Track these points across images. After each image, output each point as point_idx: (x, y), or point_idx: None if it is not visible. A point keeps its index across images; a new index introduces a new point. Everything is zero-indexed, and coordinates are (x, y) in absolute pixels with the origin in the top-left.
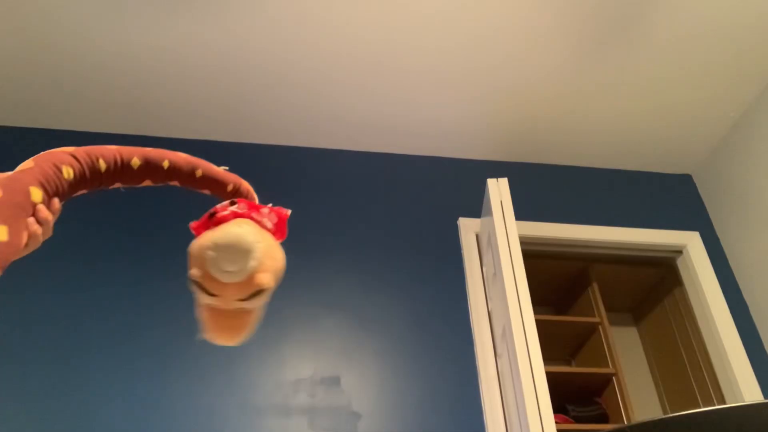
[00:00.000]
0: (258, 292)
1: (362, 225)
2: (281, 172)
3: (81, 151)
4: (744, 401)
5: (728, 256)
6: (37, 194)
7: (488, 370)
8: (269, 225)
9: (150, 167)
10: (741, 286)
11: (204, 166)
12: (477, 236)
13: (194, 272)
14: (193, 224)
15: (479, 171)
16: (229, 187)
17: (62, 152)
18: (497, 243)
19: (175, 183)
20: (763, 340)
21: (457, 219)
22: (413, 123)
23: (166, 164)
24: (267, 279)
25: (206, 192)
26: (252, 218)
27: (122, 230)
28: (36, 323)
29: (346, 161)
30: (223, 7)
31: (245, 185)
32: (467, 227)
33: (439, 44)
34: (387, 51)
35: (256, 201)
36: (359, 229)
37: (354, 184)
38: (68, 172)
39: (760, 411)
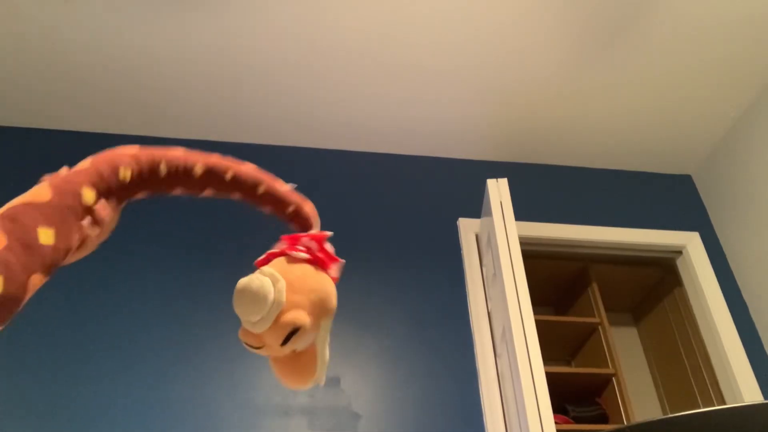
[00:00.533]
0: (294, 332)
1: (362, 225)
2: (279, 173)
3: (144, 152)
4: (744, 402)
5: (728, 257)
6: (89, 195)
7: (488, 370)
8: (304, 256)
9: (213, 176)
10: (741, 287)
11: (268, 182)
12: (477, 236)
13: (240, 332)
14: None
15: (479, 171)
16: (290, 209)
17: (123, 153)
18: (497, 243)
19: (237, 196)
20: (763, 341)
21: (456, 219)
22: (413, 123)
23: (229, 175)
24: (294, 316)
25: (266, 210)
26: (285, 254)
27: (122, 230)
28: (36, 324)
29: (345, 162)
30: (220, 8)
31: (307, 208)
32: (467, 227)
33: (439, 44)
34: (386, 51)
35: (318, 224)
36: (359, 230)
37: (353, 185)
38: (125, 174)
39: (760, 412)
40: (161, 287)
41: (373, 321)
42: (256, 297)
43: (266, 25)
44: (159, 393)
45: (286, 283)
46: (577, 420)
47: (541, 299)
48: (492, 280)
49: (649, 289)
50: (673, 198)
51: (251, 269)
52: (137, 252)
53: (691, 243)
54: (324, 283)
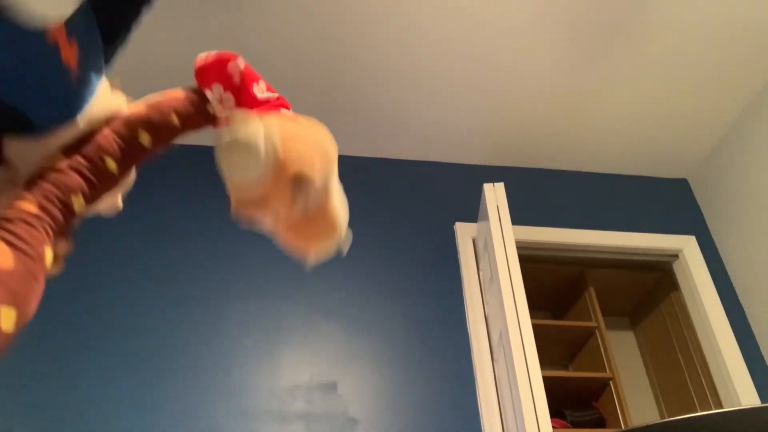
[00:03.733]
0: (299, 187)
1: (358, 230)
2: None
3: (83, 161)
4: (741, 405)
5: (724, 260)
6: (49, 255)
7: (485, 375)
8: (272, 96)
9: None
10: (737, 290)
11: (162, 104)
12: (474, 241)
13: (233, 208)
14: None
15: (475, 176)
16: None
17: (68, 175)
18: (494, 248)
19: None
20: (760, 344)
21: (453, 224)
22: (409, 128)
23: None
24: (299, 164)
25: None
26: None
27: (120, 231)
28: (33, 325)
29: (341, 166)
30: (217, 10)
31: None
32: (464, 232)
33: (435, 49)
34: (382, 56)
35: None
36: (355, 234)
37: (350, 190)
38: (79, 203)
39: (757, 415)
40: (158, 292)
41: (369, 326)
42: (247, 147)
43: (264, 29)
44: (155, 399)
45: (276, 132)
46: (575, 424)
47: (537, 303)
48: (489, 284)
49: (645, 293)
50: (669, 202)
51: (248, 277)
52: (132, 252)
53: (688, 247)
54: (319, 131)
